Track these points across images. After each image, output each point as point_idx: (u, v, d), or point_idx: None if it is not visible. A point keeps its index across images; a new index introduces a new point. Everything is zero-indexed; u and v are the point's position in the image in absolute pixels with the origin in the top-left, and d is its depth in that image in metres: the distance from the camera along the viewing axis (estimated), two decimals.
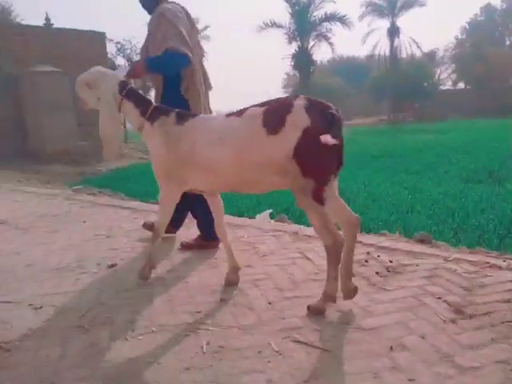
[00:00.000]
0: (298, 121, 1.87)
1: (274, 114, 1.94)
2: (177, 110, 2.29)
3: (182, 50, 2.64)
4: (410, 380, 1.47)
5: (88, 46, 14.25)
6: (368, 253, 2.67)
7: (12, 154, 11.79)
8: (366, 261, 2.55)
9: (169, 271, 2.67)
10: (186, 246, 3.08)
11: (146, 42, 2.91)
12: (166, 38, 2.66)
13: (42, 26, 14.25)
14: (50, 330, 2.02)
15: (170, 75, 2.79)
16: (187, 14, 2.93)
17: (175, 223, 3.10)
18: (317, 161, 1.89)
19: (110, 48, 18.44)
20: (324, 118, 1.88)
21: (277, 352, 1.70)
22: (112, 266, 2.83)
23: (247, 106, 2.10)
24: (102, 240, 3.43)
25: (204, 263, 2.75)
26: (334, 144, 1.80)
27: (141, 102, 2.35)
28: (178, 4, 2.94)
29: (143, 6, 3.02)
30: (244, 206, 5.57)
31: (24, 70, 12.26)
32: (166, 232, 2.62)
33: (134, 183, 8.51)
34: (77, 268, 2.82)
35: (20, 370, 1.71)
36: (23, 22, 19.26)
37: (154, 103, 2.42)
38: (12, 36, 12.57)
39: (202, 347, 1.77)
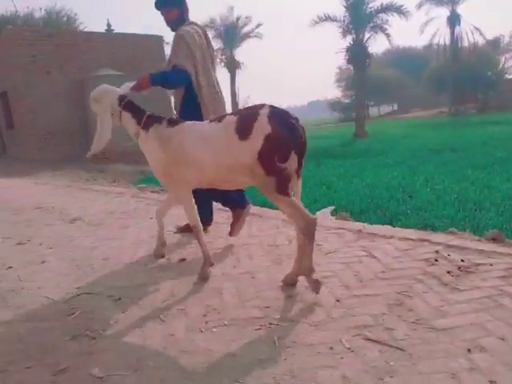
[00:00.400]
0: (262, 128, 2.11)
1: (245, 122, 2.19)
2: (168, 118, 2.63)
3: (186, 68, 3.05)
4: (490, 382, 1.43)
5: (147, 49, 14.83)
6: (437, 251, 2.60)
7: (79, 155, 12.54)
8: (436, 260, 2.49)
9: (235, 267, 2.75)
10: (180, 229, 3.60)
11: (169, 56, 3.28)
12: (178, 56, 3.09)
13: (104, 32, 15.00)
14: (129, 320, 2.16)
15: (172, 89, 3.28)
16: (204, 34, 3.34)
17: (203, 220, 3.09)
18: (277, 162, 2.12)
19: (168, 50, 19.03)
20: (284, 125, 2.13)
21: (349, 349, 1.71)
22: (181, 260, 2.96)
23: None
24: (170, 236, 3.59)
25: (269, 260, 2.81)
26: (292, 148, 2.13)
27: (137, 113, 2.68)
28: (197, 25, 3.33)
29: (171, 27, 3.32)
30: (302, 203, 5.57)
31: (88, 74, 12.97)
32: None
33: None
34: (149, 262, 2.99)
35: (106, 357, 1.85)
36: (86, 29, 20.41)
37: (148, 113, 2.71)
38: (77, 43, 13.33)
39: (274, 341, 1.82)
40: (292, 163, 2.18)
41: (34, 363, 1.84)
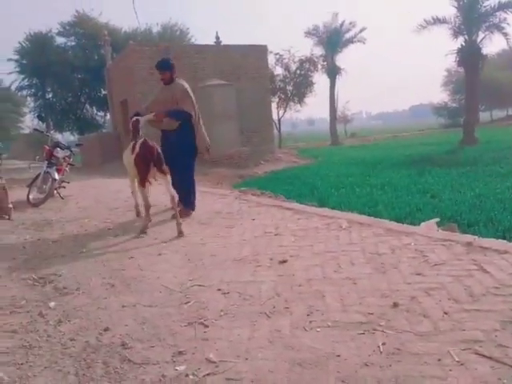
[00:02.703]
0: (136, 149, 4.37)
1: (133, 146, 4.48)
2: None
3: (190, 112, 5.11)
4: None
5: (251, 59, 15.45)
6: None
7: None
8: None
9: (336, 271, 2.80)
10: (181, 213, 4.60)
11: (162, 97, 5.27)
12: (185, 104, 5.10)
13: (213, 45, 15.94)
14: (238, 313, 2.33)
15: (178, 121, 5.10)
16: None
17: (185, 204, 5.12)
18: (139, 168, 4.36)
19: (270, 59, 19.60)
20: (145, 149, 4.34)
21: (458, 362, 1.68)
22: (283, 261, 3.09)
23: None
24: (272, 237, 3.75)
25: (371, 267, 2.81)
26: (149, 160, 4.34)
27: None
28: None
29: (164, 82, 5.33)
30: (403, 212, 5.41)
31: (198, 83, 13.89)
32: (181, 214, 4.55)
33: (289, 185, 8.95)
34: (253, 261, 3.16)
35: (219, 344, 2.03)
36: (196, 42, 21.80)
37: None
38: (190, 55, 14.35)
39: (379, 347, 1.85)
40: (151, 169, 4.35)
41: (157, 343, 2.09)
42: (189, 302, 2.51)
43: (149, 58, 13.61)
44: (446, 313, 2.08)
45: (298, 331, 2.06)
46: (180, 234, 4.13)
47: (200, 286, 2.78)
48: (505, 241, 3.23)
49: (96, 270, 3.27)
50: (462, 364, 1.66)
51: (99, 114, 26.57)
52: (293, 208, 4.97)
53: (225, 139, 13.03)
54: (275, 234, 3.84)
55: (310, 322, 2.14)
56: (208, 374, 1.78)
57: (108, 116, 22.99)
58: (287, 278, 2.78)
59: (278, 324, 2.15)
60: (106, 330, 2.25)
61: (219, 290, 2.67)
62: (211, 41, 17.09)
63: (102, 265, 3.38)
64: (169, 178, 4.62)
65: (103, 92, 22.98)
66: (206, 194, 6.40)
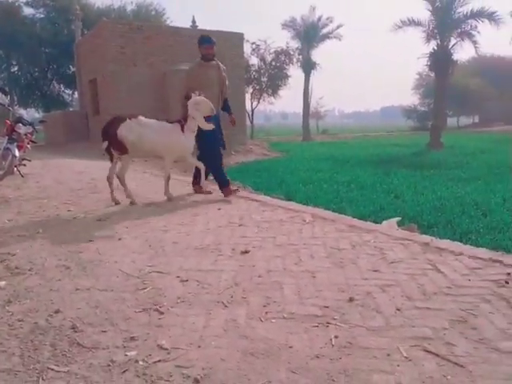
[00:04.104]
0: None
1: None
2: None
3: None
4: None
5: (227, 46, 15.22)
6: (509, 274, 2.49)
7: None
8: (507, 282, 2.39)
9: (296, 264, 2.82)
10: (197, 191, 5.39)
11: (205, 77, 5.07)
12: (226, 88, 5.32)
13: (189, 28, 15.62)
14: (194, 301, 2.31)
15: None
16: None
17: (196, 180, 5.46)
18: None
19: (246, 48, 19.45)
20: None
21: (406, 358, 1.72)
22: (245, 252, 3.08)
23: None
24: (236, 227, 3.74)
25: (330, 261, 2.85)
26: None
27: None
28: None
29: (206, 59, 5.08)
30: (367, 210, 5.51)
31: (171, 67, 13.62)
32: (196, 191, 5.39)
33: (258, 177, 8.96)
34: (215, 250, 3.14)
35: (173, 332, 2.00)
36: (172, 24, 21.34)
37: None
38: (164, 36, 14.02)
39: (331, 340, 1.87)
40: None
41: (109, 328, 2.04)
42: (145, 288, 2.47)
43: (121, 37, 13.23)
44: (398, 309, 2.13)
45: (254, 321, 2.06)
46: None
47: (159, 272, 2.74)
48: (461, 243, 3.34)
49: (52, 251, 3.16)
50: (409, 360, 1.71)
51: (67, 91, 25.64)
52: (259, 200, 4.97)
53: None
54: (239, 225, 3.83)
55: (266, 312, 2.15)
56: (158, 361, 1.75)
57: (76, 94, 22.23)
58: (247, 268, 2.78)
59: (234, 313, 2.15)
60: (57, 312, 2.18)
61: (178, 277, 2.64)
62: (187, 25, 16.74)
63: (59, 246, 3.27)
64: None
65: (72, 69, 22.14)
66: (172, 182, 6.29)
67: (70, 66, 22.77)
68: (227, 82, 5.25)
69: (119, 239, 3.46)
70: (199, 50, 5.08)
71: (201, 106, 4.75)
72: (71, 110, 24.22)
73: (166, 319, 2.12)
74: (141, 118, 4.79)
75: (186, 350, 1.83)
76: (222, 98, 5.27)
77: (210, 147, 5.13)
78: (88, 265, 2.89)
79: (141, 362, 1.75)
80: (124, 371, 1.70)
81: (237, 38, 15.80)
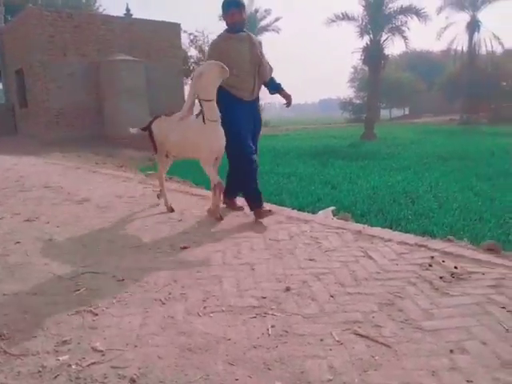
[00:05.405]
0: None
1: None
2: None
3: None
4: (468, 381, 1.52)
5: (163, 36, 14.88)
6: (432, 257, 2.68)
7: (90, 137, 12.66)
8: (430, 265, 2.57)
9: (236, 257, 2.85)
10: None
11: (236, 53, 3.69)
12: (266, 65, 3.88)
13: (123, 17, 15.05)
14: (131, 300, 2.26)
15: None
16: None
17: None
18: None
19: (184, 39, 19.06)
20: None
21: (338, 342, 1.80)
22: (184, 248, 3.06)
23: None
24: (175, 223, 3.69)
25: (269, 253, 2.90)
26: None
27: None
28: None
29: (234, 28, 3.72)
30: (305, 201, 5.66)
31: (104, 58, 13.07)
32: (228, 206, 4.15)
33: (199, 171, 8.86)
34: (153, 247, 3.09)
35: (108, 333, 1.95)
36: (105, 12, 20.45)
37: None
38: (96, 25, 13.40)
39: (268, 329, 1.92)
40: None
41: (39, 333, 1.95)
42: (78, 290, 2.38)
43: (49, 25, 12.49)
44: (332, 296, 2.22)
45: (192, 317, 2.06)
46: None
47: (93, 273, 2.64)
48: (390, 230, 3.53)
49: None
50: (341, 343, 1.79)
51: None
52: (199, 194, 4.94)
53: (132, 118, 12.44)
54: (179, 220, 3.79)
55: (205, 307, 2.15)
56: (93, 363, 1.71)
57: (0, 86, 20.71)
58: (186, 264, 2.76)
59: (172, 310, 2.13)
60: None
61: (114, 276, 2.57)
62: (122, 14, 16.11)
63: None
64: None
65: None
66: (108, 177, 6.10)
67: None
68: (266, 60, 3.89)
69: (50, 239, 3.30)
70: (224, 18, 3.77)
71: (204, 74, 3.34)
72: None
73: (101, 320, 2.06)
74: (176, 114, 3.81)
75: (122, 350, 1.80)
76: (260, 82, 3.88)
77: (231, 146, 3.68)
78: (16, 268, 2.73)
79: (74, 366, 1.69)
80: (56, 376, 1.64)
81: (174, 28, 15.47)
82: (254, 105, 3.85)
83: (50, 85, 12.89)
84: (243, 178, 3.71)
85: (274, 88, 3.99)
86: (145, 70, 13.12)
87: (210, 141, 3.52)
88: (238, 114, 3.64)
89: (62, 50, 12.86)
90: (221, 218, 3.70)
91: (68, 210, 4.29)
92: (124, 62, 12.74)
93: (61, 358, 1.74)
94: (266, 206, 3.79)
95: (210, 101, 3.41)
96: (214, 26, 16.40)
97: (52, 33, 12.55)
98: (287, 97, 3.99)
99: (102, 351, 1.79)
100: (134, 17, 15.56)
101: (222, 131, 3.55)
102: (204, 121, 3.47)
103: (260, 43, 3.86)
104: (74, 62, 13.12)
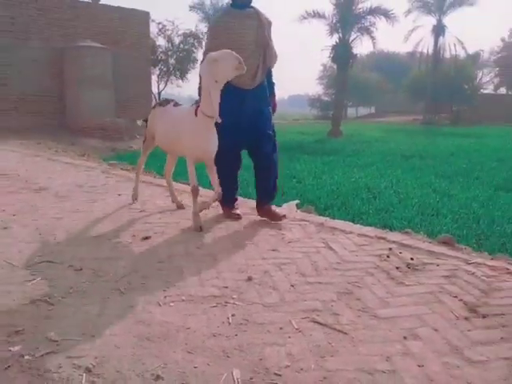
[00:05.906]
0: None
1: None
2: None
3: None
4: (419, 366, 1.58)
5: (131, 24, 14.53)
6: (390, 249, 2.76)
7: (51, 126, 12.22)
8: (388, 256, 2.64)
9: (198, 248, 2.83)
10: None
11: (240, 30, 3.21)
12: (272, 49, 3.35)
13: (90, 2, 14.57)
14: (89, 290, 2.21)
15: None
16: None
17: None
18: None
19: (152, 28, 18.68)
20: None
21: (297, 329, 1.83)
22: (146, 238, 3.01)
23: None
24: (137, 214, 3.63)
25: (233, 244, 2.90)
26: None
27: None
28: None
29: (247, 1, 3.27)
30: None
31: (70, 44, 12.63)
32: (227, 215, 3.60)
33: (164, 162, 8.74)
34: (113, 237, 3.02)
35: (63, 323, 1.90)
36: None
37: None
38: (62, 10, 12.91)
39: (228, 318, 1.92)
40: None
41: None
42: (34, 280, 2.30)
43: (11, 6, 11.94)
44: (292, 285, 2.25)
45: (151, 306, 2.03)
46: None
47: (49, 262, 2.56)
48: (352, 223, 3.61)
49: None
50: (300, 331, 1.82)
51: None
52: (163, 185, 4.86)
53: (97, 107, 12.12)
54: (141, 211, 3.73)
55: (165, 297, 2.13)
56: (47, 353, 1.66)
57: None
58: (148, 254, 2.72)
59: (131, 300, 2.10)
60: None
61: (71, 266, 2.50)
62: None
63: None
64: None
65: None
66: (68, 166, 5.92)
67: None
68: (272, 43, 3.34)
69: (5, 228, 3.17)
70: None
71: (220, 62, 2.83)
72: None
73: (57, 310, 2.01)
74: (172, 103, 3.50)
75: (78, 340, 1.75)
76: (265, 67, 3.34)
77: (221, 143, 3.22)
78: None
79: (26, 357, 1.64)
80: (7, 367, 1.58)
81: (142, 16, 15.12)
82: (254, 94, 3.30)
83: (9, 69, 12.33)
84: (220, 177, 3.31)
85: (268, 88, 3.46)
86: (112, 58, 12.76)
87: (195, 138, 3.08)
88: (224, 107, 3.02)
89: (24, 33, 12.32)
90: (200, 229, 3.17)
91: (25, 198, 4.13)
92: (89, 49, 12.35)
93: (12, 349, 1.68)
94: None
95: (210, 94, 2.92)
96: (184, 17, 16.18)
97: (13, 14, 12.00)
98: (273, 106, 3.57)
99: (56, 341, 1.74)
100: (101, 3, 15.09)
101: (214, 134, 3.11)
102: (196, 113, 3.04)
103: (270, 23, 3.29)
104: (37, 47, 12.60)
